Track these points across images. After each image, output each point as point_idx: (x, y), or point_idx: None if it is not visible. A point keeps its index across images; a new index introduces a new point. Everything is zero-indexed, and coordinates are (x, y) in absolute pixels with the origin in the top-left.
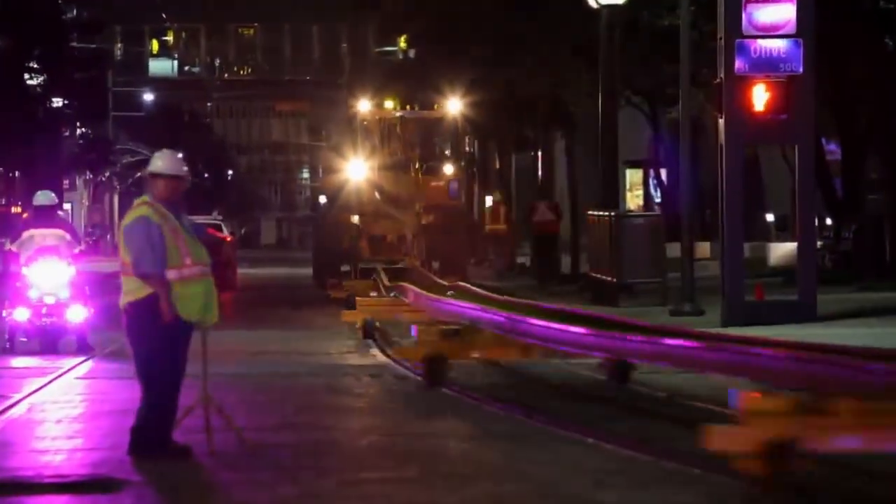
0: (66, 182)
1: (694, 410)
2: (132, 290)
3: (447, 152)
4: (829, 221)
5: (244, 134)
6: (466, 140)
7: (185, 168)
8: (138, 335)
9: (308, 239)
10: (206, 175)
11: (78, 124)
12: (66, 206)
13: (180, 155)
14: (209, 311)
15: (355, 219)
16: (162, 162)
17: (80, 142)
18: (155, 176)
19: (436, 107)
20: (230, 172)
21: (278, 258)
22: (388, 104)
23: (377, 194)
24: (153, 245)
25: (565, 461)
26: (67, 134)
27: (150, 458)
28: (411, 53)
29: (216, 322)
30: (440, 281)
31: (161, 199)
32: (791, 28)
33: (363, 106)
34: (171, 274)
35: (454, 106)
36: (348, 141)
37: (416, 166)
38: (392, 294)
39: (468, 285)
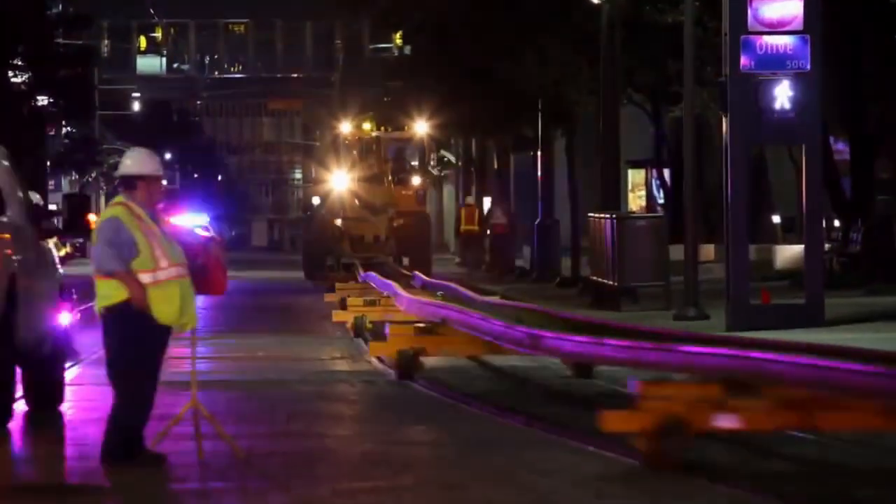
0: (51, 182)
1: None
2: (107, 295)
3: (415, 166)
4: (836, 223)
5: (235, 133)
6: (434, 155)
7: (160, 165)
8: (115, 340)
9: (300, 241)
10: (195, 175)
11: (63, 123)
12: (52, 207)
13: (151, 152)
14: (186, 314)
15: (338, 222)
16: (134, 161)
17: (66, 141)
18: (130, 178)
19: (405, 128)
20: (220, 173)
21: (270, 260)
22: (366, 126)
23: (357, 202)
24: (117, 244)
25: (565, 469)
26: (53, 133)
27: (124, 466)
28: (406, 50)
29: (194, 326)
30: (405, 272)
31: (138, 201)
32: (798, 24)
33: (345, 127)
34: (145, 277)
35: (421, 127)
36: (332, 156)
37: (389, 178)
38: (362, 280)
39: (421, 275)
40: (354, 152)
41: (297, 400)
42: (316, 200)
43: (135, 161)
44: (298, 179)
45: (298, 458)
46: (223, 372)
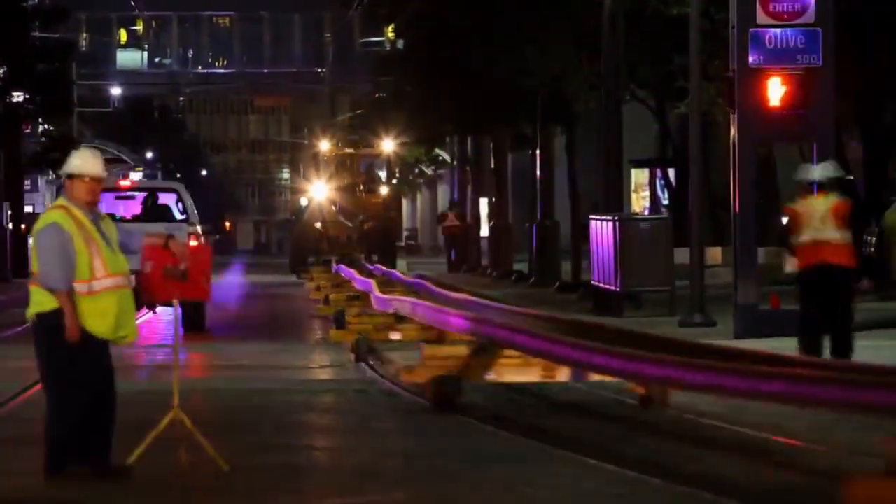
0: (27, 182)
1: (704, 429)
2: (40, 301)
3: (383, 177)
4: None
5: (220, 131)
6: (397, 169)
7: (104, 168)
8: (46, 348)
9: (287, 242)
10: (178, 175)
11: (40, 120)
12: (28, 208)
13: (99, 154)
14: (123, 328)
15: (318, 225)
16: (80, 161)
17: (43, 139)
18: (73, 177)
19: (374, 146)
20: (204, 172)
21: (256, 264)
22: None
23: (333, 208)
24: (63, 256)
25: (566, 483)
26: (28, 131)
27: (58, 478)
28: (399, 44)
29: (133, 340)
30: (369, 266)
31: (79, 202)
32: (809, 17)
33: (323, 146)
34: (79, 287)
35: (388, 145)
36: (313, 169)
37: (361, 188)
38: (334, 271)
39: (381, 266)
40: (332, 166)
41: (285, 410)
42: (304, 202)
43: (83, 160)
44: (286, 179)
45: (286, 471)
46: (207, 380)
